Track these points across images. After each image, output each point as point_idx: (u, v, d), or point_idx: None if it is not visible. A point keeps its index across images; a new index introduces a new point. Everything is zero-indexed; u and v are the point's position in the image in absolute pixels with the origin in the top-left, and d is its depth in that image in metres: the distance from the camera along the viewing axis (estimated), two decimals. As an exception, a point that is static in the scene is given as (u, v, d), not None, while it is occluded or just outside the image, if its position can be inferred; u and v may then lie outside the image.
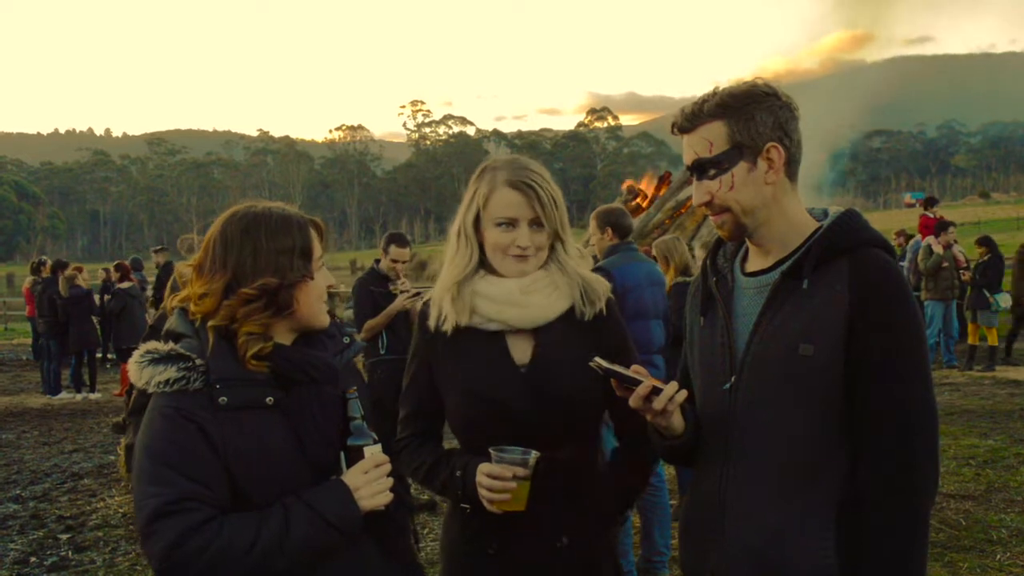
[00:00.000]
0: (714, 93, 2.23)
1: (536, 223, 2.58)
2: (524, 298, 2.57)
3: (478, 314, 2.59)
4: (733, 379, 2.21)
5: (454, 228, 2.68)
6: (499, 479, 2.40)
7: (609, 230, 6.16)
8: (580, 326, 2.63)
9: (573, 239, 2.71)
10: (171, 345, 2.17)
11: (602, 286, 2.71)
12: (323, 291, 2.28)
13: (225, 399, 2.10)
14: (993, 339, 14.75)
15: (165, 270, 16.90)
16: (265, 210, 2.25)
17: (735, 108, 2.18)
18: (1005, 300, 14.72)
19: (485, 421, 2.57)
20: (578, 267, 2.70)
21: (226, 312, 2.14)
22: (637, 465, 2.79)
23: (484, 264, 2.64)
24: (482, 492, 2.43)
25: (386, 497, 2.20)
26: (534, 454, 2.41)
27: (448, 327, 2.60)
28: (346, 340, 2.43)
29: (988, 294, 14.52)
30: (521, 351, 2.61)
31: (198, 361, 2.13)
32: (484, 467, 2.44)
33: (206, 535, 2.01)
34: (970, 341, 15.17)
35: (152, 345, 2.16)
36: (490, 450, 2.43)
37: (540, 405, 2.53)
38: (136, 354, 2.16)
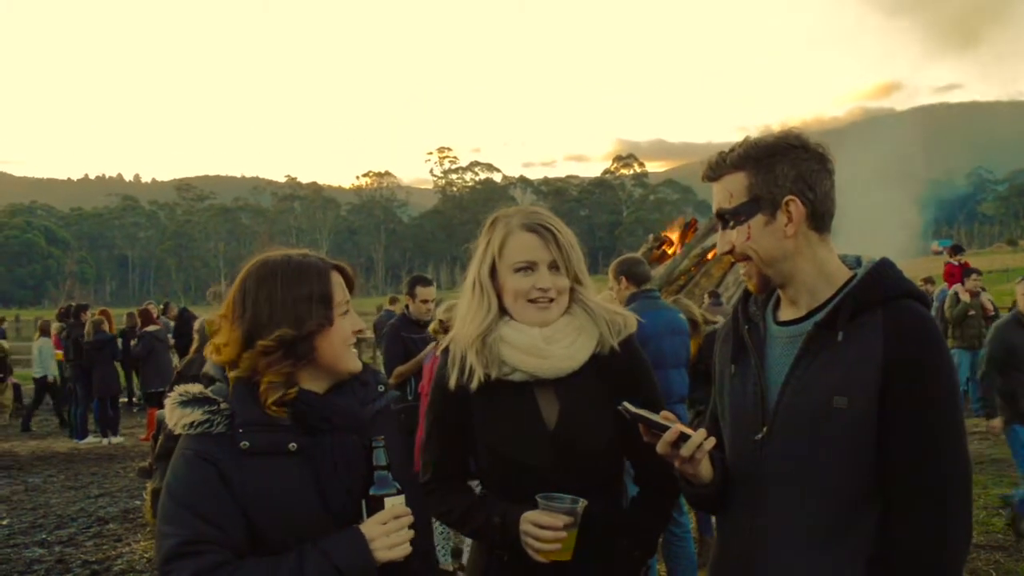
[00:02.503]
0: (741, 143, 2.22)
1: (554, 266, 2.55)
2: (546, 348, 2.51)
3: (504, 363, 2.53)
4: (764, 430, 2.18)
5: (468, 280, 2.63)
6: (548, 528, 2.35)
7: (624, 279, 6.16)
8: (606, 367, 2.57)
9: (592, 285, 2.66)
10: (200, 388, 2.18)
11: (627, 318, 2.66)
12: (348, 336, 2.24)
13: (247, 443, 2.10)
14: (1023, 388, 14.51)
15: (182, 317, 17.11)
16: (284, 258, 2.22)
17: (756, 160, 2.17)
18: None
19: (512, 478, 2.54)
20: (602, 302, 2.65)
21: (247, 364, 2.14)
22: (658, 509, 2.74)
23: (504, 311, 2.59)
24: (529, 541, 2.38)
25: (404, 550, 2.12)
26: (582, 502, 2.36)
27: (474, 382, 2.55)
28: (380, 388, 2.38)
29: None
30: (549, 405, 2.55)
31: (223, 405, 2.14)
32: (531, 516, 2.39)
33: None
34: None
35: (184, 387, 2.17)
36: (537, 498, 2.38)
37: (567, 465, 2.50)
38: (171, 395, 2.18)
